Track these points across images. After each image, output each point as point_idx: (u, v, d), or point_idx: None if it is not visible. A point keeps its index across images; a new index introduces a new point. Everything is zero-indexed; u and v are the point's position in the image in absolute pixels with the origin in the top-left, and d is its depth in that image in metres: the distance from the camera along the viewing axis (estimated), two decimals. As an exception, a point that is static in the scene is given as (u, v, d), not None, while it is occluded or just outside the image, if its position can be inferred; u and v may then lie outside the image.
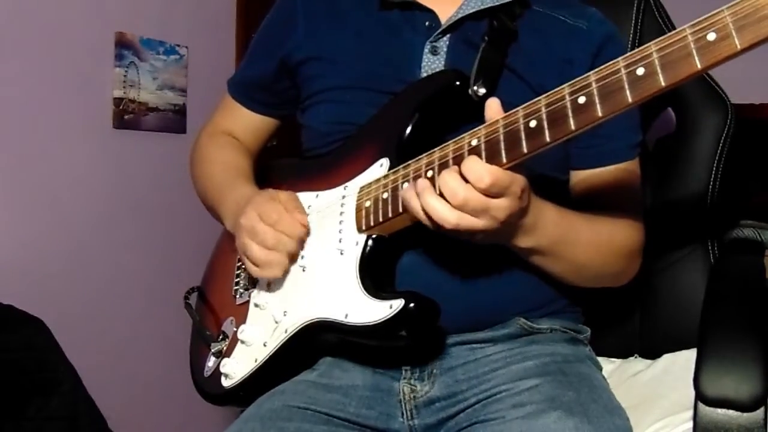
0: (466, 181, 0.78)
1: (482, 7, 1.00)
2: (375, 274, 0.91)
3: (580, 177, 1.04)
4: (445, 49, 1.00)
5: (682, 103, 1.25)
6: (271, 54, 1.13)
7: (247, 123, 1.21)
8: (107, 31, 2.15)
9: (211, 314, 1.14)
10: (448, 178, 0.78)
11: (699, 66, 0.66)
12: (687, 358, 1.10)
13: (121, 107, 2.18)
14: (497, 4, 1.00)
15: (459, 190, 0.77)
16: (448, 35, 1.01)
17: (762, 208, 1.59)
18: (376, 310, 0.86)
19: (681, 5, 1.31)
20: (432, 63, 1.00)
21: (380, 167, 0.94)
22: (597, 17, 1.05)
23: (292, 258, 0.97)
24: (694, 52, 0.66)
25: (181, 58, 2.36)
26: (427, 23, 1.02)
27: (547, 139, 0.75)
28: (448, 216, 0.78)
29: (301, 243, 0.97)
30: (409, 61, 1.01)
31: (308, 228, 0.97)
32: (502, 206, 0.79)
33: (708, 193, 1.21)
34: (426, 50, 1.01)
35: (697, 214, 1.23)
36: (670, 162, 1.26)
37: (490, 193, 0.77)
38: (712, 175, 1.21)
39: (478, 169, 0.77)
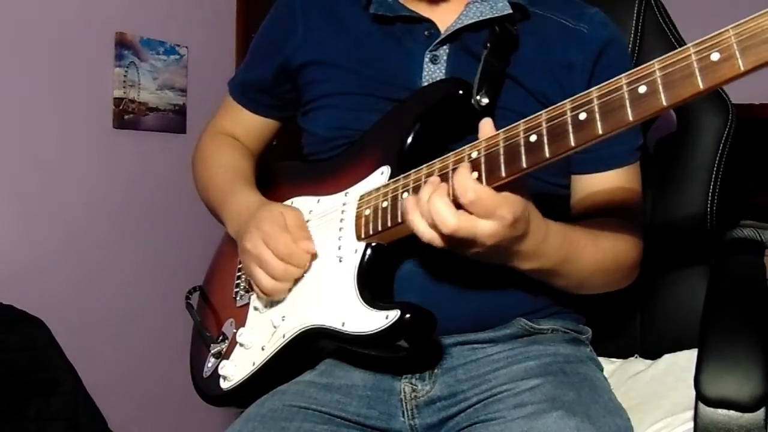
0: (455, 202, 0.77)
1: (481, 18, 1.00)
2: (373, 283, 0.91)
3: (581, 182, 1.03)
4: (445, 58, 1.00)
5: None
6: (270, 57, 1.13)
7: (249, 124, 1.21)
8: (107, 31, 2.15)
9: (211, 315, 1.14)
10: (439, 206, 0.77)
11: (702, 86, 0.65)
12: (687, 358, 1.10)
13: (121, 107, 2.18)
14: (497, 15, 1.00)
15: (449, 217, 0.76)
16: (447, 45, 1.01)
17: (762, 208, 1.59)
18: (372, 320, 0.86)
19: (681, 4, 1.32)
20: (432, 72, 1.00)
21: (381, 175, 0.94)
22: (598, 19, 1.04)
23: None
24: (697, 72, 0.65)
25: (181, 58, 2.36)
26: (426, 33, 1.02)
27: (547, 154, 0.74)
28: (436, 240, 0.79)
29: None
30: (409, 69, 1.01)
31: (314, 254, 0.97)
32: (487, 232, 0.77)
33: (708, 194, 1.21)
34: (426, 59, 1.00)
35: (698, 215, 1.22)
36: (670, 162, 1.26)
37: (474, 211, 0.76)
38: (713, 176, 1.21)
39: (465, 183, 0.77)
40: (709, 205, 1.21)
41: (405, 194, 0.87)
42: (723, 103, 1.21)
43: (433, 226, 0.78)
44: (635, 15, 1.25)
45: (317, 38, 1.07)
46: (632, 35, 1.24)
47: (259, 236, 0.96)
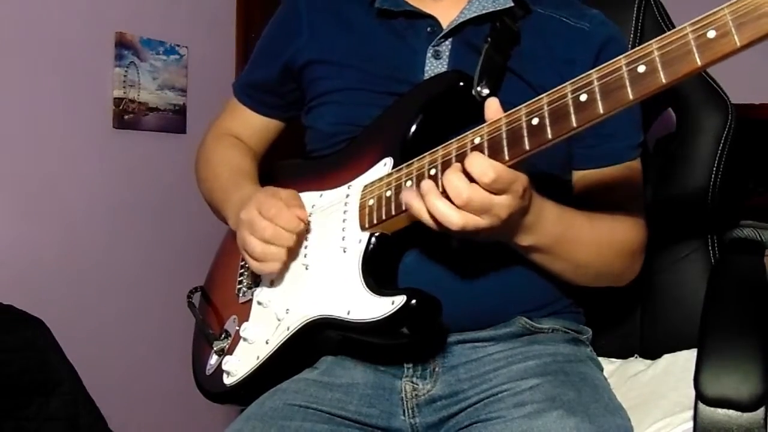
0: (470, 178, 0.78)
1: (483, 12, 1.01)
2: (377, 272, 0.91)
3: (582, 177, 1.04)
4: (447, 53, 1.01)
5: (683, 103, 1.25)
6: (275, 57, 1.13)
7: (253, 125, 1.22)
8: (107, 31, 2.15)
9: (214, 313, 1.14)
10: (453, 177, 0.79)
11: (699, 63, 0.66)
12: (687, 358, 1.10)
13: (121, 107, 2.18)
14: (498, 9, 1.01)
15: (463, 189, 0.78)
16: (449, 39, 1.02)
17: (762, 208, 1.59)
18: (377, 307, 0.86)
19: (681, 5, 1.31)
20: (435, 67, 1.01)
21: (384, 166, 0.94)
22: (599, 19, 1.05)
23: (291, 252, 0.97)
24: (695, 49, 0.66)
25: (181, 58, 2.36)
26: (428, 29, 1.03)
27: (549, 136, 0.75)
28: (453, 218, 0.79)
29: (300, 238, 0.97)
30: (412, 65, 1.01)
31: (307, 223, 0.97)
32: (504, 204, 0.79)
33: (708, 193, 1.21)
34: (429, 54, 1.01)
35: (698, 214, 1.23)
36: (670, 162, 1.26)
37: (493, 189, 0.78)
38: (713, 175, 1.21)
39: (482, 164, 0.77)
40: (709, 205, 1.22)
41: (408, 183, 0.87)
42: (722, 103, 1.22)
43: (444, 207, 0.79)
44: (635, 15, 1.25)
45: (322, 37, 1.08)
46: (632, 35, 1.24)
47: (253, 204, 0.96)
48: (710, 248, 1.23)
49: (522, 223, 0.86)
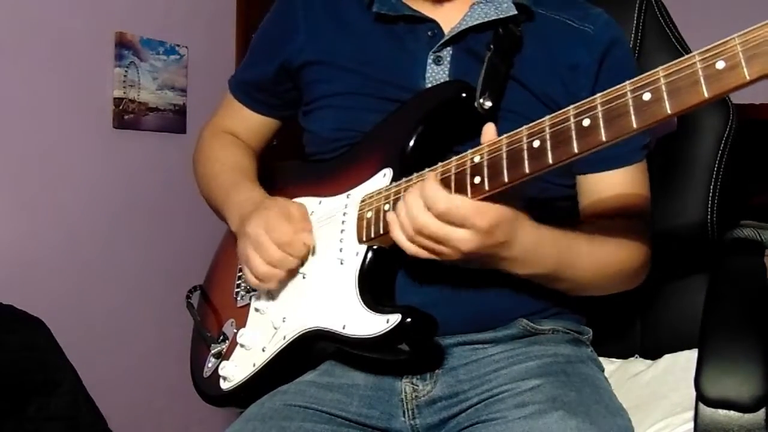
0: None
1: (486, 20, 0.99)
2: (374, 286, 0.91)
3: (586, 183, 1.02)
4: (448, 59, 1.00)
5: (683, 103, 1.24)
6: (271, 56, 1.12)
7: (250, 123, 1.21)
8: (107, 31, 2.15)
9: (212, 315, 1.14)
10: (412, 202, 0.80)
11: (706, 95, 0.64)
12: (688, 358, 1.10)
13: (121, 107, 2.18)
14: (501, 16, 0.99)
15: (419, 216, 0.79)
16: (451, 45, 1.00)
17: (762, 208, 1.58)
18: (373, 324, 0.86)
19: (682, 5, 1.31)
20: (436, 73, 1.00)
21: (383, 177, 0.94)
22: (603, 20, 1.03)
23: (291, 272, 0.97)
24: (702, 80, 0.64)
25: (181, 58, 2.36)
26: (429, 33, 1.01)
27: (550, 160, 0.74)
28: (405, 245, 0.82)
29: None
30: (412, 70, 1.00)
31: (312, 248, 0.97)
32: (462, 238, 0.79)
33: (709, 193, 1.21)
34: (429, 60, 1.00)
35: (698, 215, 1.22)
36: (671, 162, 1.26)
37: (445, 219, 0.78)
38: (713, 176, 1.21)
39: (434, 194, 0.79)
40: (709, 205, 1.21)
41: (387, 206, 0.88)
42: (723, 103, 1.21)
43: (412, 229, 0.81)
44: (636, 14, 1.25)
45: (319, 37, 1.07)
46: (633, 34, 1.24)
47: (261, 222, 0.96)
48: (710, 248, 1.22)
49: (510, 256, 0.85)
